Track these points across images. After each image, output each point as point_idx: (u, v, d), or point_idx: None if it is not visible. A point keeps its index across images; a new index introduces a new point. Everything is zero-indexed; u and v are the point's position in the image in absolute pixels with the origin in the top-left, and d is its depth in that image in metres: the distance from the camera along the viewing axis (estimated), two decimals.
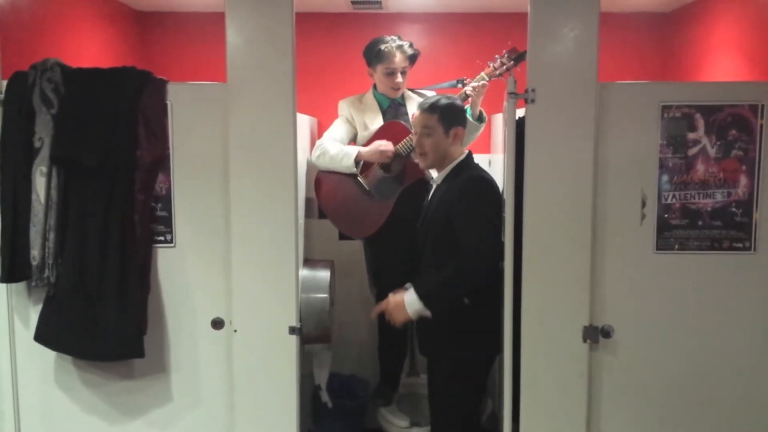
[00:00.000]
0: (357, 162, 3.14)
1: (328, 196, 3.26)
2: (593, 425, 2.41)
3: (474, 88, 3.01)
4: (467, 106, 3.11)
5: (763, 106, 2.28)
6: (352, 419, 3.39)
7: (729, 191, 2.32)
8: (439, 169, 2.63)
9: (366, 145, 3.23)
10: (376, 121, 3.27)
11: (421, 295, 2.43)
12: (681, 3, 3.74)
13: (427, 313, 2.45)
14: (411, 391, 3.55)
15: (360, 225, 3.21)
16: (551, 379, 2.37)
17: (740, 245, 2.33)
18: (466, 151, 2.62)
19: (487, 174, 2.55)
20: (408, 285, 2.67)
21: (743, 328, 2.36)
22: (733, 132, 2.30)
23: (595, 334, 2.34)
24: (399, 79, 3.21)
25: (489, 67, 3.05)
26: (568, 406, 2.38)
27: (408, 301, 2.46)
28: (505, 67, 3.00)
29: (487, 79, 3.04)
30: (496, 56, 3.02)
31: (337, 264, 3.22)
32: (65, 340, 2.38)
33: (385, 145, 3.09)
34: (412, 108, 3.21)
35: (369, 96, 3.33)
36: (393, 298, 2.53)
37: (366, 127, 3.27)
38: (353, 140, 3.32)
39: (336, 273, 3.17)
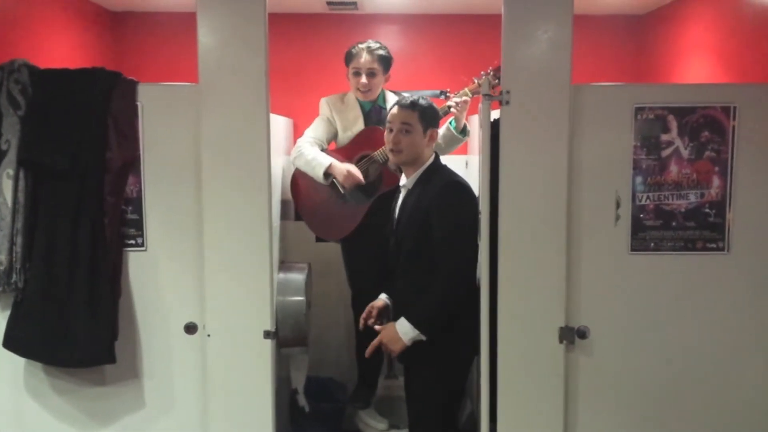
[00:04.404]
0: (327, 174, 3.12)
1: (304, 197, 3.25)
2: (570, 425, 2.41)
3: (457, 103, 3.01)
4: (451, 119, 3.11)
5: (735, 107, 2.30)
6: (329, 423, 3.37)
7: (702, 192, 2.34)
8: (408, 170, 2.60)
9: (346, 147, 3.21)
10: (358, 124, 3.25)
11: (416, 324, 2.42)
12: (655, 5, 3.77)
13: (422, 337, 2.44)
14: (389, 393, 3.53)
15: (332, 228, 3.21)
16: (528, 379, 2.37)
17: (714, 246, 2.35)
18: (434, 153, 2.61)
19: (461, 178, 2.55)
20: (383, 296, 2.64)
21: (717, 329, 2.37)
22: (706, 133, 2.31)
23: (571, 335, 2.35)
24: (363, 79, 3.18)
25: (473, 83, 3.05)
26: (545, 407, 2.38)
27: (402, 332, 2.44)
28: (489, 85, 2.99)
29: (470, 95, 3.04)
30: (482, 73, 3.02)
31: (314, 266, 3.20)
32: (34, 346, 2.34)
33: (356, 172, 3.08)
34: None
35: (351, 97, 3.31)
36: (385, 333, 2.49)
37: (346, 129, 3.26)
38: (334, 139, 3.31)
39: (313, 275, 3.15)
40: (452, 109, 3.03)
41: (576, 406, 2.41)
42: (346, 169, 3.08)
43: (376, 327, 2.58)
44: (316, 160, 3.12)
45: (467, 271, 2.42)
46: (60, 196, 2.29)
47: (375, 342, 2.54)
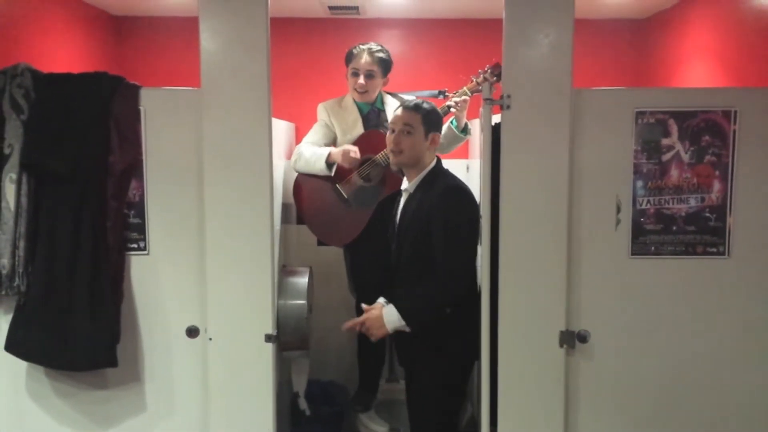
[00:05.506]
0: (330, 165, 3.12)
1: (307, 203, 3.25)
2: (570, 429, 2.40)
3: (457, 103, 3.02)
4: (452, 118, 3.12)
5: (736, 111, 2.30)
6: (330, 426, 3.37)
7: (703, 196, 2.34)
8: (409, 174, 2.61)
9: None
10: (357, 127, 3.26)
11: (402, 312, 2.44)
12: (656, 9, 3.78)
13: (406, 328, 2.46)
14: (390, 397, 3.53)
15: (337, 233, 3.21)
16: (528, 383, 2.37)
17: (714, 250, 2.35)
18: (436, 158, 2.62)
19: (463, 182, 2.56)
20: (381, 300, 2.65)
21: (717, 333, 2.37)
22: (707, 138, 2.31)
23: (572, 339, 2.35)
24: (361, 80, 3.19)
25: (471, 81, 3.05)
26: (546, 411, 2.38)
27: (387, 319, 2.47)
28: (487, 83, 3.01)
29: (469, 94, 3.05)
30: (479, 71, 3.02)
31: (315, 270, 3.20)
32: (36, 349, 2.34)
33: (353, 149, 3.09)
34: (392, 113, 3.20)
35: (348, 100, 3.31)
36: (371, 314, 2.52)
37: (345, 133, 3.26)
38: (333, 144, 3.31)
39: (315, 279, 3.15)
40: (452, 109, 3.04)
41: (576, 410, 2.40)
42: (342, 149, 3.11)
43: (363, 306, 2.61)
44: (316, 155, 3.15)
45: (464, 272, 2.43)
46: (62, 200, 2.30)
47: (360, 320, 2.56)
